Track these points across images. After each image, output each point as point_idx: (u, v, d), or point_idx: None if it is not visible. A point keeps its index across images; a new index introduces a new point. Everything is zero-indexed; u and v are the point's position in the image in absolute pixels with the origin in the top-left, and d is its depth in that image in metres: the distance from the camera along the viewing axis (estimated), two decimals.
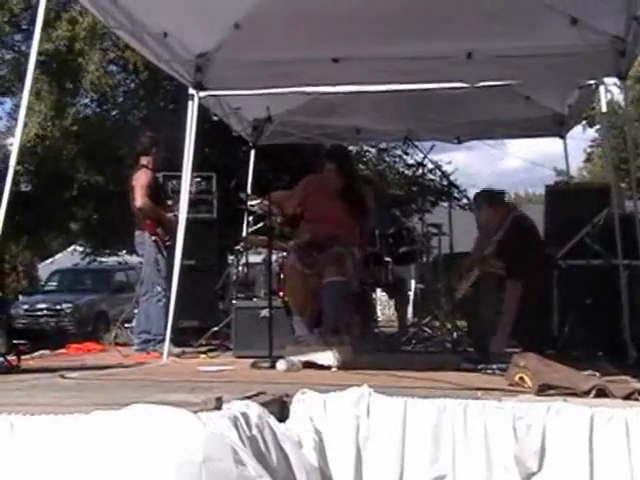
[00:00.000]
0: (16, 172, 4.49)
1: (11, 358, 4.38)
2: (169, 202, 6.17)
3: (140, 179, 5.98)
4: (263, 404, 2.72)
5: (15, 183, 4.40)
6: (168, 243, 5.87)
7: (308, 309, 4.98)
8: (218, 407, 2.54)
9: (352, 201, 5.21)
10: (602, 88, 6.01)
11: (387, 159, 16.67)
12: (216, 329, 6.15)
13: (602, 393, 3.05)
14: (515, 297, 4.65)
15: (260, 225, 6.31)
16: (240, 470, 2.24)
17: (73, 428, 2.35)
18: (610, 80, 5.84)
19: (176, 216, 5.69)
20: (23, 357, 4.65)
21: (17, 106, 13.62)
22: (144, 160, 6.15)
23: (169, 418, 2.29)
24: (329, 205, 5.20)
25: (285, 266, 5.46)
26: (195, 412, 2.43)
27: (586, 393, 3.05)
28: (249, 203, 6.24)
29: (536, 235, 5.18)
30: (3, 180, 4.37)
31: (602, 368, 3.79)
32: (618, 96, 13.43)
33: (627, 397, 3.00)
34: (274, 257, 5.89)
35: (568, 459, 2.66)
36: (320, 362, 4.43)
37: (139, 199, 5.89)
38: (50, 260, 23.86)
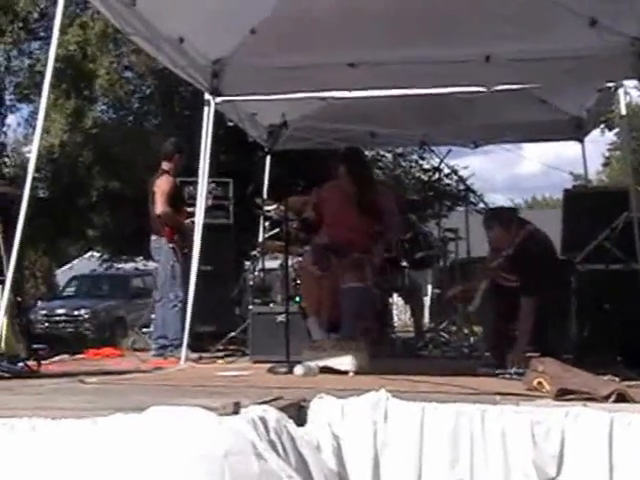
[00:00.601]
0: (34, 179, 4.53)
1: (31, 363, 4.42)
2: (189, 210, 6.19)
3: (162, 185, 6.01)
4: (281, 409, 2.72)
5: (33, 189, 4.44)
6: (185, 251, 5.89)
7: (323, 310, 4.97)
8: (236, 412, 2.54)
9: (367, 205, 5.19)
10: (621, 91, 5.96)
11: (403, 164, 16.65)
12: (233, 334, 6.16)
13: (622, 398, 3.02)
14: (530, 314, 4.53)
15: (276, 230, 6.32)
16: (262, 464, 2.25)
17: (94, 430, 2.37)
18: (629, 82, 5.79)
19: (193, 222, 5.70)
20: (43, 362, 4.69)
21: (34, 113, 13.76)
22: (166, 166, 6.17)
23: (188, 417, 2.30)
24: (344, 210, 5.19)
25: (300, 267, 5.45)
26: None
27: (605, 398, 3.03)
28: (265, 208, 6.26)
29: (549, 249, 5.06)
30: (22, 187, 4.42)
31: (621, 373, 3.75)
32: (638, 98, 13.31)
33: None
34: (290, 262, 5.90)
35: (587, 464, 2.64)
36: (337, 367, 4.42)
37: (160, 206, 5.92)
38: (68, 266, 24.04)
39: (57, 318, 14.01)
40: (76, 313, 14.02)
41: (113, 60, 12.50)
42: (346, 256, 4.95)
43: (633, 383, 3.26)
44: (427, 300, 8.02)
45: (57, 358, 5.65)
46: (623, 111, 6.10)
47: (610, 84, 6.02)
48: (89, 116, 13.27)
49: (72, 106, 12.87)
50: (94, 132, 13.39)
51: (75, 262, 24.27)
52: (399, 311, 12.38)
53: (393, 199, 5.62)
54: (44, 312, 14.30)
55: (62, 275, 21.44)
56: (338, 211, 5.21)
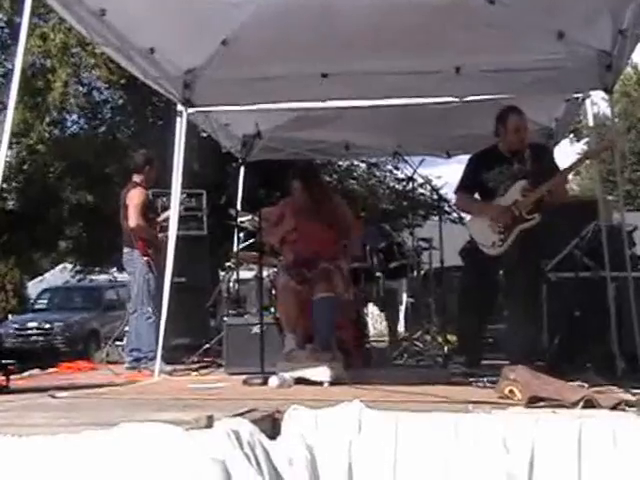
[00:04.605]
0: (3, 190, 4.45)
1: None
2: (158, 219, 6.15)
3: (134, 198, 5.95)
4: (254, 421, 2.72)
5: (2, 201, 4.37)
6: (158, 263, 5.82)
7: (300, 326, 4.96)
8: (209, 425, 2.53)
9: (325, 214, 5.17)
10: (589, 101, 6.06)
11: (377, 174, 16.73)
12: (207, 346, 6.13)
13: (590, 404, 3.08)
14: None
15: (251, 241, 6.31)
16: None
17: (62, 448, 2.33)
18: (597, 93, 5.89)
19: (167, 236, 5.66)
20: (12, 377, 4.61)
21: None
22: (137, 178, 6.12)
23: (159, 436, 2.28)
24: (305, 223, 5.17)
25: (276, 286, 5.42)
26: (186, 430, 2.42)
27: (574, 404, 3.08)
28: (239, 219, 6.25)
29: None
30: None
31: (590, 379, 3.81)
32: (605, 109, 13.54)
33: (614, 407, 3.04)
34: (265, 273, 5.89)
35: (557, 469, 2.68)
36: (312, 378, 4.43)
37: (133, 219, 5.87)
38: (39, 278, 23.74)
39: (29, 332, 13.79)
40: (48, 326, 13.81)
41: (71, 73, 12.27)
42: (315, 266, 4.95)
43: (602, 389, 3.32)
44: (402, 309, 8.05)
45: (27, 373, 5.56)
46: (591, 122, 6.20)
47: (578, 95, 6.13)
48: (36, 130, 12.93)
49: (21, 118, 12.56)
50: (41, 144, 13.02)
51: (47, 274, 23.99)
52: (374, 320, 12.43)
53: (347, 206, 5.60)
54: (15, 326, 14.08)
55: (33, 288, 21.15)
56: (300, 224, 5.19)
